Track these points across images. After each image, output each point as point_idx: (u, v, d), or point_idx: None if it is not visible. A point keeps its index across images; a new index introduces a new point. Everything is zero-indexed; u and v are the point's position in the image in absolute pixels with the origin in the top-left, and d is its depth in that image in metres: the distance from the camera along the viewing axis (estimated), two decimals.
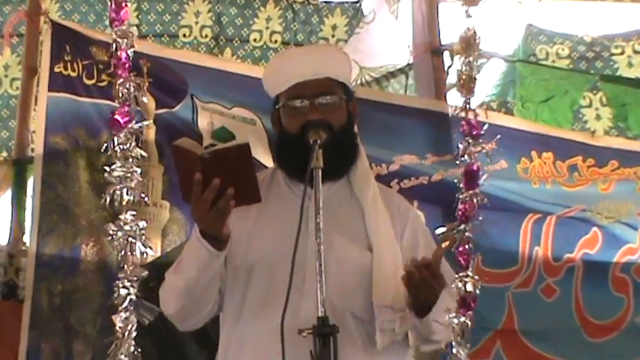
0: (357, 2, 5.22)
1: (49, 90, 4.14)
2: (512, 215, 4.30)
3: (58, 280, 4.04)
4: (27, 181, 4.25)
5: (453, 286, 2.53)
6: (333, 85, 2.79)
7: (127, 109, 2.51)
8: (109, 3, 2.52)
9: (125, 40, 2.50)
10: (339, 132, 2.75)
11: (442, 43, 4.60)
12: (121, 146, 2.50)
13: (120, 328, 2.50)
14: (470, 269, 2.54)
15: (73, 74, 4.10)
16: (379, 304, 2.67)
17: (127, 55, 2.50)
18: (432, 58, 4.56)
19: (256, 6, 5.14)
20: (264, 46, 5.12)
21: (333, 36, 5.15)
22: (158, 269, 3.97)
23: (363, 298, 2.69)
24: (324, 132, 2.65)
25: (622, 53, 5.15)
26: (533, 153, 4.34)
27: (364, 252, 2.73)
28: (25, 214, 4.21)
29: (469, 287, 2.51)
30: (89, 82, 4.13)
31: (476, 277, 2.52)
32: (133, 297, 2.50)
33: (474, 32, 2.63)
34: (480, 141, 2.62)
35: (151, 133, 4.14)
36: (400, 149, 4.24)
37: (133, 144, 2.52)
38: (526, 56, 5.10)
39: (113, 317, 2.51)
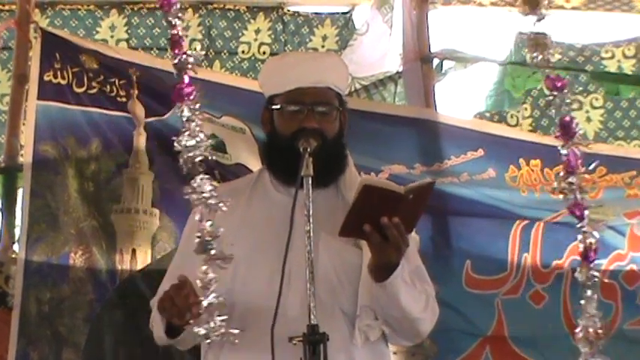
0: (347, 13, 5.24)
1: (39, 98, 4.13)
2: (501, 222, 4.31)
3: (47, 288, 4.03)
4: (16, 189, 4.25)
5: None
6: (331, 95, 2.80)
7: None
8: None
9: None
10: (331, 141, 2.76)
11: (432, 50, 4.63)
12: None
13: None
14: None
15: (63, 82, 4.10)
16: (363, 305, 2.68)
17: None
18: (421, 66, 4.58)
19: (246, 18, 5.16)
20: (252, 58, 5.13)
21: (323, 46, 5.16)
22: (148, 277, 4.02)
23: (352, 294, 2.70)
24: (314, 140, 2.66)
25: (612, 57, 5.19)
26: (522, 161, 4.34)
27: (353, 248, 2.72)
28: (14, 222, 4.22)
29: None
30: (79, 90, 4.13)
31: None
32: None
33: None
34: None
35: (141, 141, 4.14)
36: (389, 159, 4.25)
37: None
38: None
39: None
